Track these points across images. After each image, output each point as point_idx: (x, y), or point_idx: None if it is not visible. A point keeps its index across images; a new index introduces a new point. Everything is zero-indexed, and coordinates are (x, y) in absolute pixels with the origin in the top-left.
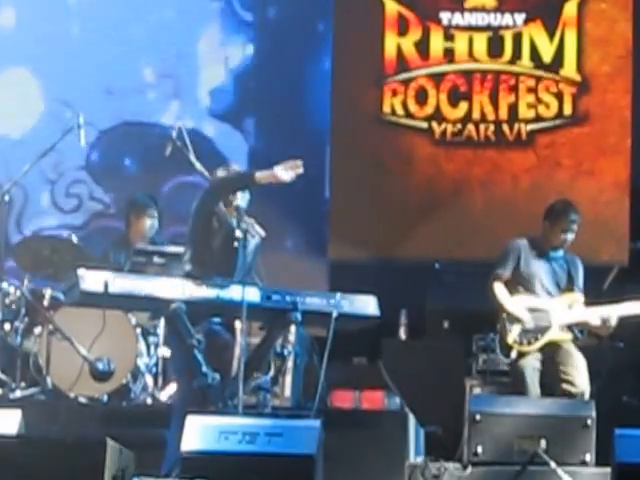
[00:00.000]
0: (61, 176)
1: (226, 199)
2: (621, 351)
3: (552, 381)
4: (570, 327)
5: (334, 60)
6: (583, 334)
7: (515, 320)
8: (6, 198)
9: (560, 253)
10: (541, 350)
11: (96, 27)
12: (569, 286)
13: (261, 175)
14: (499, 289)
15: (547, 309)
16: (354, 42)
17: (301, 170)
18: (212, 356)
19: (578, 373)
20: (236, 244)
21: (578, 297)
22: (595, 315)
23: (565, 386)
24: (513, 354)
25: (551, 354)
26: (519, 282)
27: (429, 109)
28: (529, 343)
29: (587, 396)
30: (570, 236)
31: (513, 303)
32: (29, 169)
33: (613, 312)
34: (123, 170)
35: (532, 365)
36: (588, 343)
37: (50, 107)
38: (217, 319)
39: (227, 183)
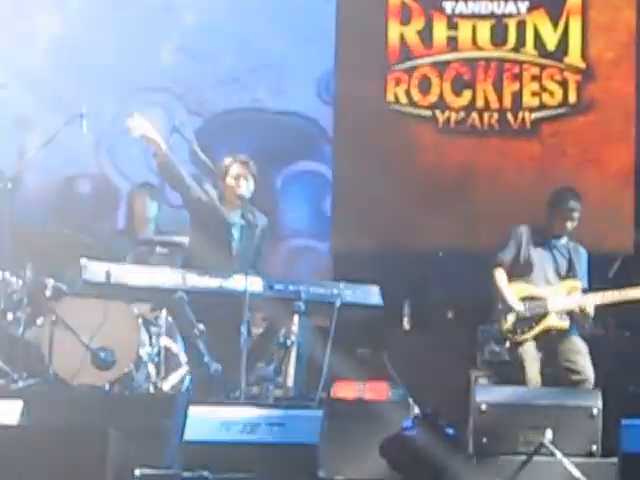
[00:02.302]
0: None
1: (223, 185)
2: (628, 340)
3: (556, 370)
4: (571, 315)
5: (337, 49)
6: (591, 323)
7: (509, 309)
8: (9, 185)
9: (563, 241)
10: (543, 338)
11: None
12: (570, 274)
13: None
14: (499, 276)
15: (544, 296)
16: (357, 31)
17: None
18: (215, 346)
19: (582, 360)
20: (235, 233)
21: (577, 284)
22: (592, 302)
23: (569, 374)
24: (507, 343)
25: (554, 343)
26: (519, 269)
27: (433, 98)
28: (523, 332)
29: (592, 383)
30: (570, 224)
31: (509, 292)
32: (31, 157)
33: (592, 300)
34: None
35: (531, 353)
36: (594, 332)
37: None
38: (221, 309)
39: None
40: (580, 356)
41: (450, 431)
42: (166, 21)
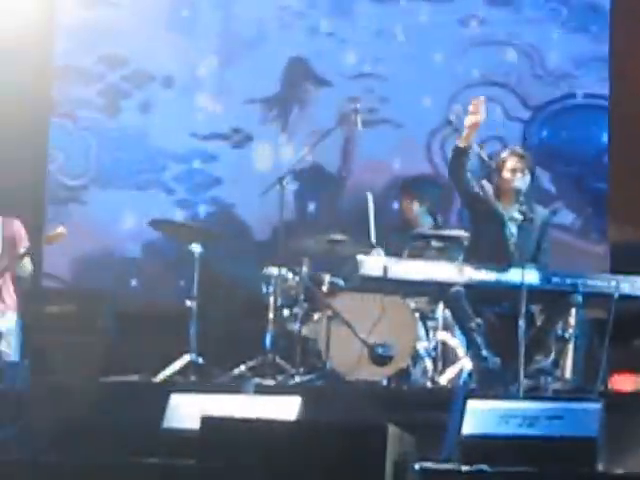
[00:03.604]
0: None
1: (500, 179)
2: None
3: None
4: None
5: (612, 40)
6: None
7: None
8: (284, 183)
9: None
10: None
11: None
12: None
13: (463, 137)
14: None
15: None
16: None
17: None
18: (492, 339)
19: None
20: (512, 227)
21: None
22: None
23: None
24: None
25: None
26: None
27: None
28: None
29: None
30: None
31: None
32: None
33: None
34: None
35: None
36: None
37: None
38: (498, 302)
39: (451, 163)
40: None
41: None
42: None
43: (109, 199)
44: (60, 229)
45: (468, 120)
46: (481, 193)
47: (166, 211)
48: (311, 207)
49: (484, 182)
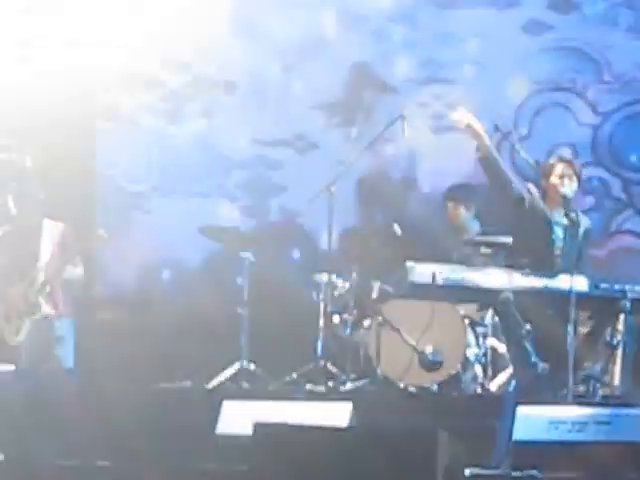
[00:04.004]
0: None
1: (547, 184)
2: None
3: None
4: None
5: None
6: None
7: None
8: (332, 189)
9: None
10: None
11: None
12: None
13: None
14: None
15: None
16: None
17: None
18: (541, 346)
19: None
20: (558, 232)
21: None
22: None
23: None
24: None
25: None
26: None
27: None
28: None
29: None
30: None
31: None
32: (356, 160)
33: None
34: None
35: None
36: None
37: None
38: (547, 309)
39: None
40: None
41: None
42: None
43: (171, 206)
44: (100, 233)
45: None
46: (527, 197)
47: (229, 219)
48: (377, 213)
49: (530, 185)
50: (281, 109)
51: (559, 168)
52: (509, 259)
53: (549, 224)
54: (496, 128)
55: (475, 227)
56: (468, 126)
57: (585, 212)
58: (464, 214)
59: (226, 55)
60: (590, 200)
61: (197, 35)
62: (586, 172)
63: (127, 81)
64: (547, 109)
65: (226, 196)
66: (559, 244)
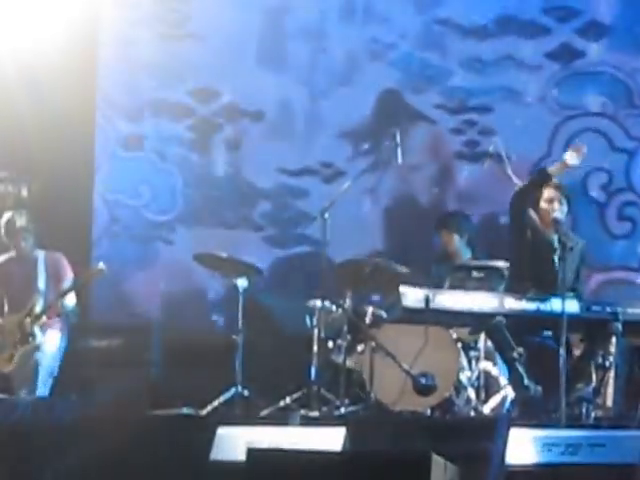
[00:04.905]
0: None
1: (536, 207)
2: None
3: None
4: None
5: None
6: None
7: None
8: (325, 216)
9: None
10: None
11: None
12: None
13: (553, 168)
14: None
15: None
16: None
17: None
18: (534, 368)
19: None
20: (555, 257)
21: None
22: None
23: None
24: None
25: None
26: None
27: None
28: None
29: None
30: None
31: None
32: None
33: None
34: None
35: None
36: None
37: None
38: (539, 331)
39: (524, 187)
40: None
41: None
42: None
43: (195, 237)
44: (100, 266)
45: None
46: (530, 221)
47: (255, 250)
48: (403, 239)
49: (530, 210)
50: (308, 137)
51: (547, 192)
52: (511, 284)
53: (550, 248)
54: (489, 155)
55: (467, 254)
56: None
57: (620, 238)
58: (457, 241)
59: (254, 83)
60: (626, 226)
61: (224, 63)
62: (621, 197)
63: (153, 110)
64: (580, 135)
65: (251, 226)
66: (555, 268)
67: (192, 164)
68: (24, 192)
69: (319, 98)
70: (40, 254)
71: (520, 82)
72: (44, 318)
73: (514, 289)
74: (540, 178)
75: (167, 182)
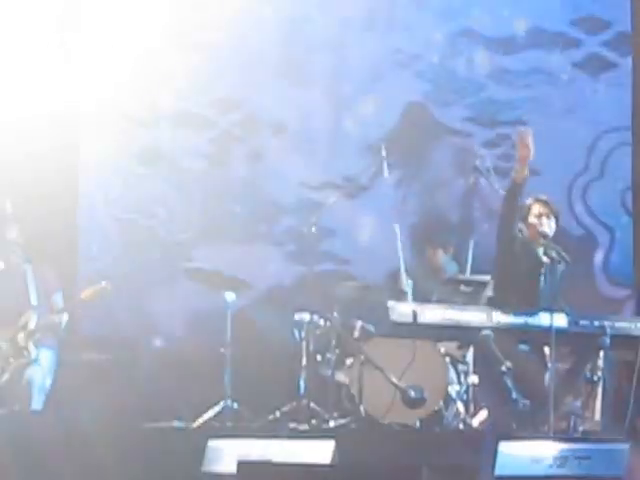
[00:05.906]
0: None
1: (525, 221)
2: None
3: None
4: None
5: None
6: None
7: None
8: (313, 230)
9: None
10: None
11: None
12: None
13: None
14: None
15: None
16: None
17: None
18: (522, 382)
19: None
20: (542, 270)
21: None
22: None
23: None
24: None
25: None
26: None
27: None
28: None
29: None
30: None
31: None
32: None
33: None
34: None
35: None
36: None
37: None
38: (527, 345)
39: (505, 198)
40: None
41: None
42: None
43: (216, 254)
44: (103, 284)
45: (518, 154)
46: (520, 235)
47: (276, 266)
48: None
49: (520, 224)
50: (331, 150)
51: (536, 208)
52: (496, 298)
53: (537, 262)
54: (475, 169)
55: (453, 268)
56: None
57: None
58: (442, 256)
59: (274, 96)
60: None
61: (244, 75)
62: None
63: (170, 122)
64: (617, 149)
65: (272, 242)
66: (542, 281)
67: (211, 178)
68: (9, 207)
69: (342, 110)
70: (28, 267)
71: (550, 95)
72: (38, 335)
73: (497, 301)
74: (511, 187)
75: (184, 198)
